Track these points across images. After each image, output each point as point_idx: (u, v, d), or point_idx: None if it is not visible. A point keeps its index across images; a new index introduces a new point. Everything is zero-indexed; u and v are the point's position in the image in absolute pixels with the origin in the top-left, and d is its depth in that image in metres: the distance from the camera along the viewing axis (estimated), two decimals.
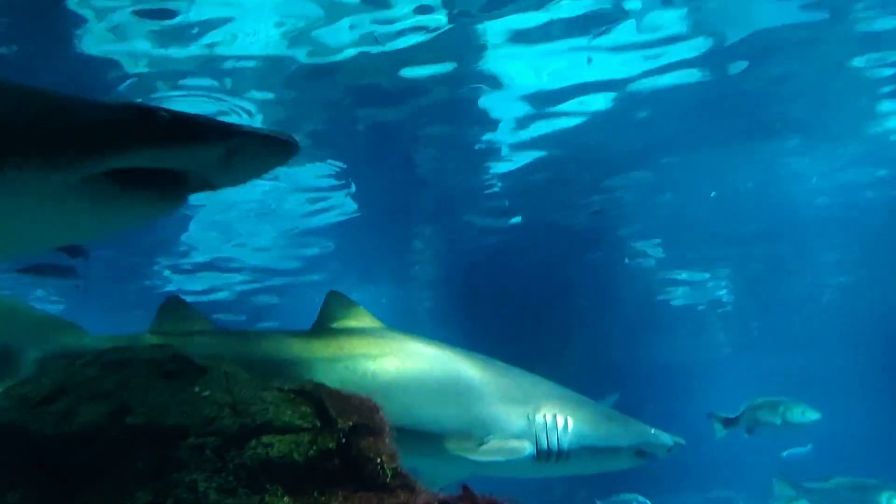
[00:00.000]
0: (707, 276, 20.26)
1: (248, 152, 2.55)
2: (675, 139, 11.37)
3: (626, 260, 17.47)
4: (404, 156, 11.32)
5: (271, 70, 8.35)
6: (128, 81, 8.25)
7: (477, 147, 11.21)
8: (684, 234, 16.27)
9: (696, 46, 8.71)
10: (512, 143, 11.26)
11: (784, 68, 9.32)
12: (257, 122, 9.36)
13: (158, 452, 2.66)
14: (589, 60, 8.88)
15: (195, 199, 4.80)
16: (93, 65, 7.84)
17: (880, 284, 20.97)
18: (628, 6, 7.83)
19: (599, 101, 10.00)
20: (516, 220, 14.64)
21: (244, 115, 9.12)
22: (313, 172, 11.63)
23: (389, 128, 10.10)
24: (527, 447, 5.16)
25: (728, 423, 10.83)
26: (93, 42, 7.48)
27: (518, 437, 5.15)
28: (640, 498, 12.51)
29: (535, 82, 9.37)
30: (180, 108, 2.82)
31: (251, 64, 8.21)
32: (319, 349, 4.99)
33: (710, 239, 16.70)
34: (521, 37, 8.27)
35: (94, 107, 2.50)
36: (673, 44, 8.66)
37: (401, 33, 7.93)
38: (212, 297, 18.94)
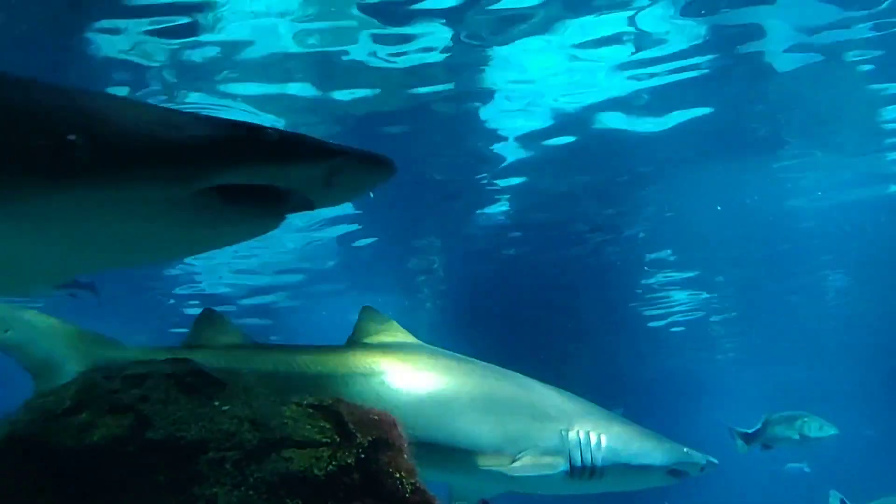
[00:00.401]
0: (709, 287, 20.26)
1: (349, 172, 2.56)
2: (679, 155, 11.43)
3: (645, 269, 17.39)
4: (409, 169, 11.37)
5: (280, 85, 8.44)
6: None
7: (482, 160, 11.26)
8: (688, 246, 16.30)
9: (702, 64, 8.80)
10: (516, 158, 11.33)
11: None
12: None
13: (178, 466, 2.67)
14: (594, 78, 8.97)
15: None
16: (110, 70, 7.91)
17: (882, 298, 20.96)
18: (639, 26, 7.90)
19: (603, 119, 10.08)
20: (519, 234, 14.69)
21: None
22: None
23: (396, 141, 10.17)
24: (560, 463, 5.17)
25: (748, 438, 10.77)
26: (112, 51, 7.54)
27: (551, 453, 5.16)
28: None
29: (540, 99, 9.45)
30: None
31: (260, 78, 8.29)
32: (355, 364, 5.01)
33: (714, 251, 16.73)
34: (525, 53, 8.36)
35: (205, 122, 2.54)
36: (678, 60, 8.75)
37: (409, 53, 8.03)
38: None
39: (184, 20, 7.13)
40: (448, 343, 5.92)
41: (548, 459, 5.14)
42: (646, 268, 17.71)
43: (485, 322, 16.83)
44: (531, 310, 17.55)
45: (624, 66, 8.81)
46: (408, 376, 5.04)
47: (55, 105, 2.38)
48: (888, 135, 11.47)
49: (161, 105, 2.77)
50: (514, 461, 5.06)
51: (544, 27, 7.85)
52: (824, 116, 10.48)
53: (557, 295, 17.50)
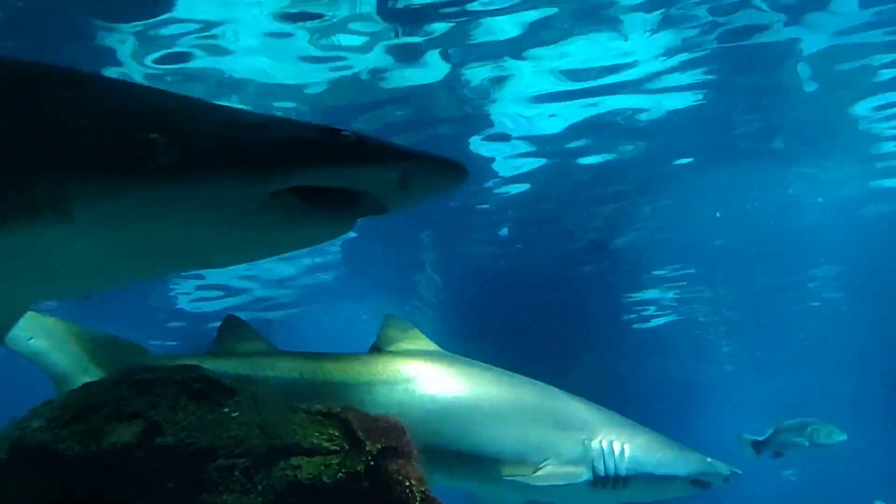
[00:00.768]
0: (710, 293, 20.28)
1: (423, 176, 2.55)
2: (678, 160, 11.46)
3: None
4: None
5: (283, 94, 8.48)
6: None
7: (480, 170, 11.27)
8: (689, 253, 16.32)
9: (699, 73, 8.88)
10: (514, 168, 11.37)
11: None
12: None
13: (188, 473, 2.66)
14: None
15: None
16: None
17: (880, 305, 20.99)
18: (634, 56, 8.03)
19: (603, 128, 10.15)
20: (519, 244, 14.74)
21: None
22: None
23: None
24: (583, 473, 5.14)
25: (759, 446, 10.73)
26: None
27: (574, 462, 5.14)
28: None
29: (539, 108, 9.53)
30: None
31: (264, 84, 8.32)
32: (378, 372, 5.02)
33: (715, 257, 16.74)
34: (526, 63, 8.42)
35: (284, 123, 2.55)
36: (675, 73, 8.84)
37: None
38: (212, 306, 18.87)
39: None
40: (451, 349, 5.92)
41: (571, 469, 5.12)
42: (644, 276, 17.74)
43: (484, 332, 16.82)
44: (531, 318, 17.53)
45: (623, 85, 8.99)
46: (431, 384, 5.03)
47: (137, 105, 2.38)
48: (886, 143, 11.53)
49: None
50: (537, 470, 5.05)
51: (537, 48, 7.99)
52: (825, 124, 10.51)
53: (559, 303, 17.51)
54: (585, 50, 8.18)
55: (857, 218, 14.33)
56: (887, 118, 10.59)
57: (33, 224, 2.22)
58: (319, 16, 7.01)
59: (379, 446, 2.82)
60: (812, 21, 7.98)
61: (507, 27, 7.61)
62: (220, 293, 17.75)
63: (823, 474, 25.34)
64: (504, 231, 14.08)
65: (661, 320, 21.97)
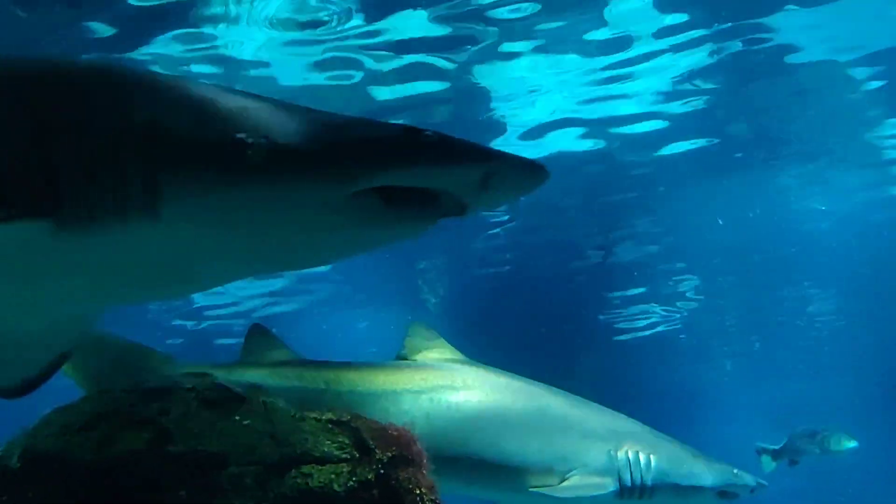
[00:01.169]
0: (711, 299, 20.28)
1: (505, 176, 2.53)
2: (679, 169, 11.48)
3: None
4: None
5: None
6: None
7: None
8: (690, 259, 16.33)
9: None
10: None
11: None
12: None
13: (199, 480, 2.67)
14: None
15: None
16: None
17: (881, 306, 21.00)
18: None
19: (605, 136, 10.18)
20: (519, 250, 14.75)
21: None
22: None
23: None
24: (609, 483, 5.13)
25: (776, 454, 10.72)
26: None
27: (600, 473, 5.12)
28: None
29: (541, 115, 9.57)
30: None
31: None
32: (404, 381, 5.00)
33: (717, 262, 16.75)
34: (529, 70, 8.44)
35: (367, 124, 2.54)
36: (676, 78, 8.86)
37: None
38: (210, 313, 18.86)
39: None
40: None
41: (597, 479, 5.10)
42: (645, 283, 17.76)
43: (488, 336, 16.81)
44: (535, 320, 17.53)
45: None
46: (457, 394, 5.02)
47: (223, 105, 2.38)
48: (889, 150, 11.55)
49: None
50: (562, 481, 5.03)
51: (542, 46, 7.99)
52: (828, 129, 10.54)
53: (562, 307, 17.51)
54: (586, 61, 8.23)
55: (861, 226, 14.36)
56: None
57: (124, 223, 2.23)
58: (324, 23, 7.07)
59: (389, 454, 2.83)
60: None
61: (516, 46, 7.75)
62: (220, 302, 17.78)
63: (823, 477, 25.27)
64: (504, 238, 14.08)
65: (661, 328, 21.99)
